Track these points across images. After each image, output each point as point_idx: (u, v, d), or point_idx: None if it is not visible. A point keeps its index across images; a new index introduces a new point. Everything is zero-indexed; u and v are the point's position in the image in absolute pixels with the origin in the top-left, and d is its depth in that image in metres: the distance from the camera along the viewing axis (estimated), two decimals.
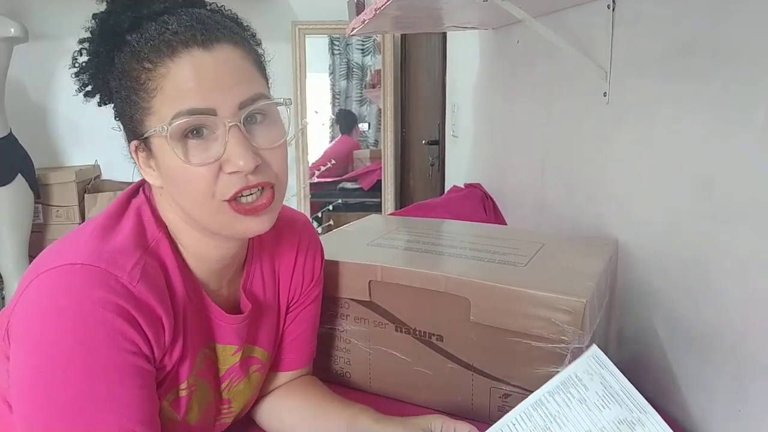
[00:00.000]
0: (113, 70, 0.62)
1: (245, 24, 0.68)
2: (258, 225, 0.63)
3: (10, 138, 2.60)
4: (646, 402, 0.54)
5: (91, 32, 0.63)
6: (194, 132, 0.59)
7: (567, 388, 0.60)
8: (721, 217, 0.75)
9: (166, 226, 0.66)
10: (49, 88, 3.22)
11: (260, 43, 0.68)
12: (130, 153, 0.65)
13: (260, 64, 0.65)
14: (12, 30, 2.49)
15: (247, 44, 0.64)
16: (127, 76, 0.60)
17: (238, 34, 0.63)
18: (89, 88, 0.66)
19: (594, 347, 0.62)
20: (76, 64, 0.64)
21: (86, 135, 3.25)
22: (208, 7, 0.66)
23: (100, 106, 0.67)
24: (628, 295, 0.99)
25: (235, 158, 0.59)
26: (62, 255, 0.58)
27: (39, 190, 2.77)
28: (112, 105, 0.65)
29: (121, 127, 0.65)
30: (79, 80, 0.65)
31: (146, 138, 0.61)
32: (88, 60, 0.64)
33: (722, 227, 0.75)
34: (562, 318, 0.72)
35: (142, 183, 0.70)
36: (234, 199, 0.61)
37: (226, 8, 0.67)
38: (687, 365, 0.84)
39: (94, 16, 0.62)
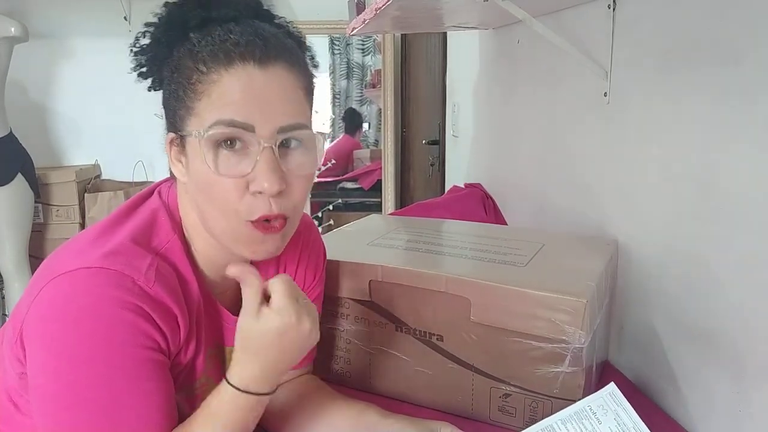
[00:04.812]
0: (169, 60, 0.63)
1: (308, 44, 0.68)
2: (268, 249, 0.64)
3: (11, 137, 2.60)
4: None
5: (158, 18, 0.64)
6: (228, 143, 0.60)
7: (580, 419, 0.61)
8: (721, 217, 0.75)
9: (181, 228, 0.67)
10: (49, 88, 3.23)
11: (318, 65, 0.69)
12: (165, 143, 0.66)
13: (310, 91, 0.66)
14: (12, 29, 2.49)
15: (303, 68, 0.65)
16: (180, 71, 0.61)
17: (296, 56, 0.64)
18: (144, 69, 0.66)
19: (612, 385, 0.63)
20: (137, 44, 0.65)
21: (86, 135, 3.25)
22: (277, 21, 0.67)
23: (149, 90, 0.68)
24: (628, 295, 0.99)
25: (261, 179, 0.59)
26: (74, 259, 0.58)
27: (39, 189, 2.77)
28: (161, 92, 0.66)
29: (164, 115, 0.66)
30: (136, 59, 0.66)
31: (183, 136, 0.62)
32: (150, 44, 0.65)
33: (722, 227, 0.75)
34: (562, 318, 0.73)
35: (157, 186, 0.71)
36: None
37: (293, 26, 0.68)
38: (687, 365, 0.84)
39: (166, 4, 0.63)
